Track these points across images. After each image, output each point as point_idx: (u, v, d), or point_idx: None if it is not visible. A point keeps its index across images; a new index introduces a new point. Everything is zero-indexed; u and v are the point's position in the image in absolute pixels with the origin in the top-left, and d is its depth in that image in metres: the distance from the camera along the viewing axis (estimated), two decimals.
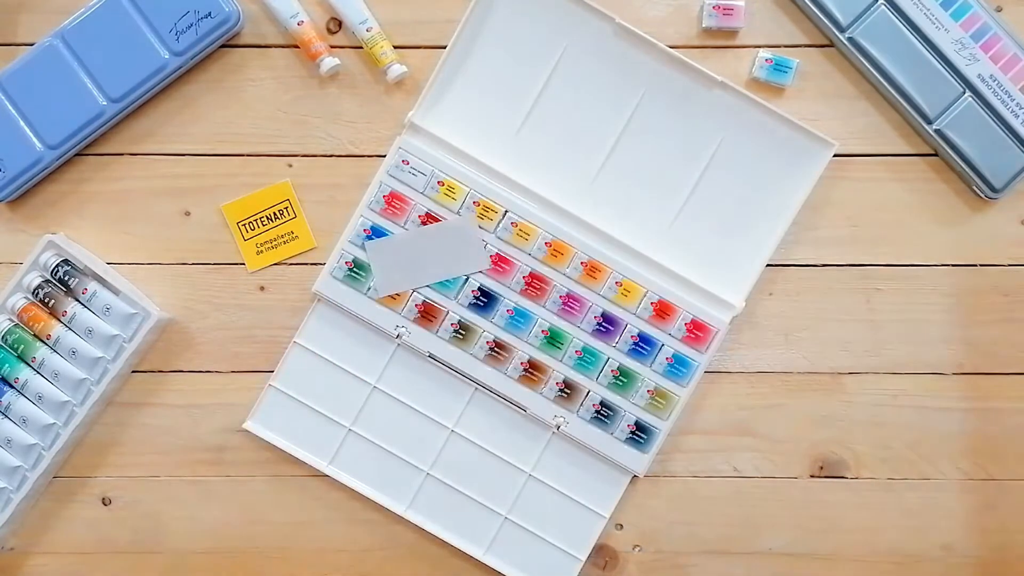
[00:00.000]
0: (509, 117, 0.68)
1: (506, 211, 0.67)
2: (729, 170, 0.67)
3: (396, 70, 0.67)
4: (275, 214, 0.69)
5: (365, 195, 0.67)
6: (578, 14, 0.66)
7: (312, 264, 0.69)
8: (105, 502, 0.70)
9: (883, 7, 0.66)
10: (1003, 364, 0.69)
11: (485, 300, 0.67)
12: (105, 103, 0.66)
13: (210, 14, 0.65)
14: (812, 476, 0.69)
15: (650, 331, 0.67)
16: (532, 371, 0.67)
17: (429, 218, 0.67)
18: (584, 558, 0.68)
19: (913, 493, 0.69)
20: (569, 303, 0.67)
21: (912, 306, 0.69)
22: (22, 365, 0.66)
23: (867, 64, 0.67)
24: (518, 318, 0.67)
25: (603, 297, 0.67)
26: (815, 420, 0.69)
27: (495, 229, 0.67)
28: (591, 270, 0.67)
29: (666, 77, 0.67)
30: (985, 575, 0.70)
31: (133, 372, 0.69)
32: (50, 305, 0.66)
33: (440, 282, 0.67)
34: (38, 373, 0.66)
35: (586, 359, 0.67)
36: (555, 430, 0.68)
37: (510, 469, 0.68)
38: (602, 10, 0.66)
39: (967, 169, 0.67)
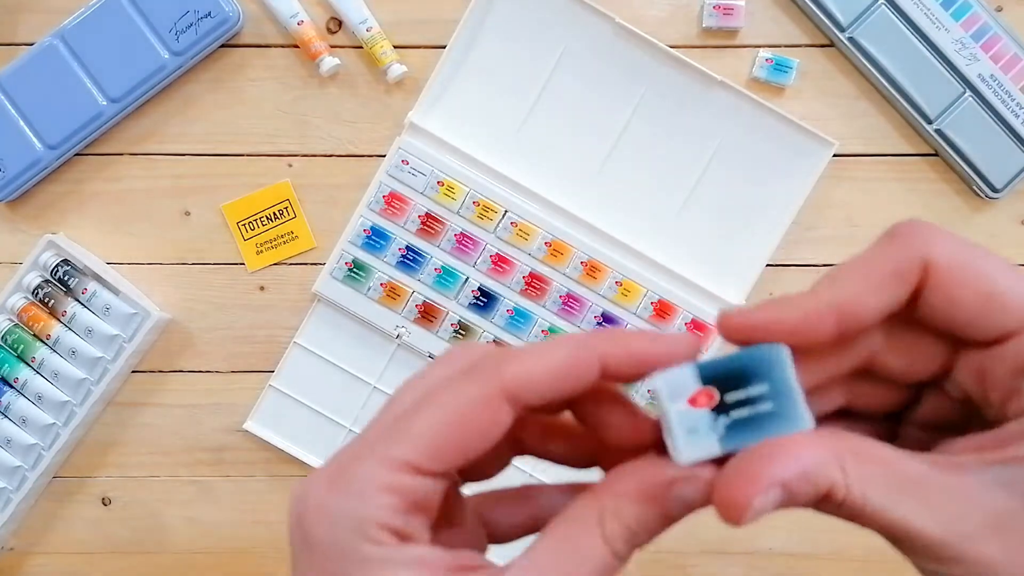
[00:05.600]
0: (509, 117, 0.68)
1: (506, 211, 0.67)
2: (729, 170, 0.67)
3: (396, 70, 0.67)
4: (275, 214, 0.69)
5: (365, 195, 0.67)
6: (578, 14, 0.66)
7: (312, 264, 0.69)
8: (105, 502, 0.70)
9: (883, 7, 0.66)
10: None
11: (485, 300, 0.67)
12: (105, 103, 0.66)
13: (210, 14, 0.65)
14: None
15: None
16: None
17: (429, 218, 0.67)
18: None
19: None
20: (569, 303, 0.67)
21: None
22: (22, 365, 0.66)
23: (867, 64, 0.67)
24: (518, 318, 0.67)
25: (603, 297, 0.67)
26: None
27: (495, 229, 0.67)
28: (591, 270, 0.67)
29: (666, 77, 0.67)
30: None
31: (133, 372, 0.69)
32: (50, 305, 0.66)
33: (440, 282, 0.67)
34: (38, 373, 0.66)
35: None
36: None
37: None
38: (602, 10, 0.66)
39: (967, 169, 0.67)
